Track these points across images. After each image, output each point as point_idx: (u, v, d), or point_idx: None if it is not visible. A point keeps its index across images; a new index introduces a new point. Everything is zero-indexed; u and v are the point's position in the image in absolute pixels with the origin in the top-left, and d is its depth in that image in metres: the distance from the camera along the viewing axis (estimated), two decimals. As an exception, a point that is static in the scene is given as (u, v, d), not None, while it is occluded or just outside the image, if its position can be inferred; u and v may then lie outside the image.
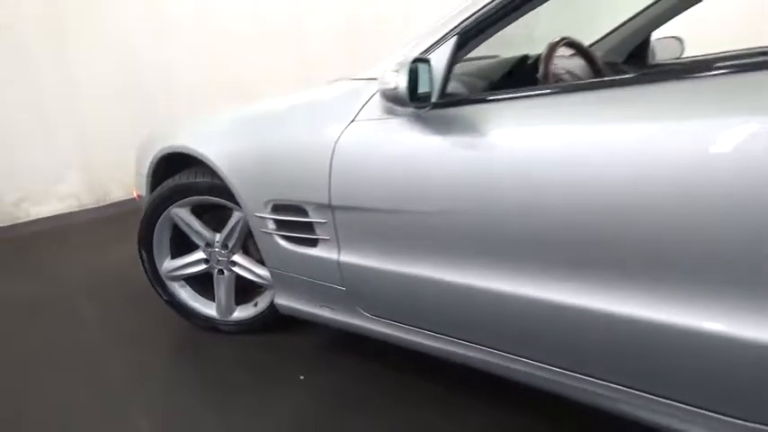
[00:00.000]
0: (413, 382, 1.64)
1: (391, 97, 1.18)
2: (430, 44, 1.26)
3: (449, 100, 1.26)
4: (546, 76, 1.46)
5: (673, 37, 2.46)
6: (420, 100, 1.19)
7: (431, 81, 1.22)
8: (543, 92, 1.19)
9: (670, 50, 2.45)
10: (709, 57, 2.22)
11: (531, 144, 1.10)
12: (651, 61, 2.42)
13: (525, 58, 1.67)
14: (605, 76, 1.77)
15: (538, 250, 1.11)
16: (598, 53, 2.34)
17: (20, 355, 1.99)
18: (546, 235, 1.09)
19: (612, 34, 2.37)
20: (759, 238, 0.84)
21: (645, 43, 2.35)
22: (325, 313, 1.65)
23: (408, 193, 1.28)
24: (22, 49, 3.52)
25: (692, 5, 2.14)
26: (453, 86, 1.49)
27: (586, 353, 1.12)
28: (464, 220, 1.21)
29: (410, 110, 1.26)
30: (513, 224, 1.13)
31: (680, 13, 2.19)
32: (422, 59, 1.20)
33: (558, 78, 1.59)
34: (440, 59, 1.24)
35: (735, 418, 0.96)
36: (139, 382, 1.77)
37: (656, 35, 2.47)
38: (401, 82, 1.14)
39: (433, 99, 1.24)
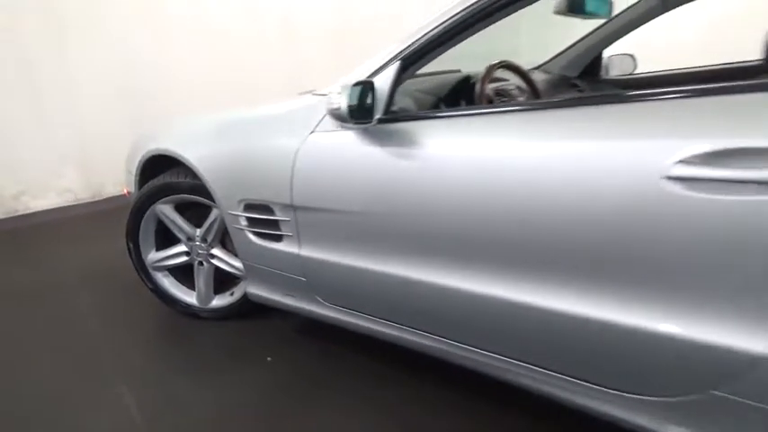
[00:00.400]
0: (371, 364, 1.83)
1: (336, 116, 1.38)
2: (376, 68, 1.46)
3: (392, 116, 1.45)
4: (480, 96, 1.66)
5: (626, 54, 2.66)
6: (363, 117, 1.39)
7: (374, 101, 1.41)
8: (468, 112, 1.39)
9: (623, 66, 2.65)
10: (650, 75, 2.43)
11: (455, 155, 1.29)
12: (604, 76, 2.62)
13: (468, 77, 1.86)
14: (541, 94, 1.97)
15: (463, 247, 1.31)
16: (555, 68, 2.55)
17: (15, 336, 2.19)
18: (468, 234, 1.28)
19: (568, 51, 2.57)
20: (639, 245, 1.03)
21: (597, 59, 2.55)
22: (289, 301, 1.85)
23: (355, 196, 1.48)
24: (22, 47, 3.71)
25: (637, 27, 2.34)
26: (405, 102, 1.70)
27: (498, 335, 1.32)
28: (400, 220, 1.41)
29: (369, 121, 1.45)
30: (439, 224, 1.33)
31: (628, 33, 2.39)
32: (365, 82, 1.40)
33: (492, 98, 1.80)
34: (384, 82, 1.43)
35: (621, 391, 1.16)
36: (125, 359, 1.98)
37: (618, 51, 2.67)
38: (343, 103, 1.34)
39: (377, 116, 1.43)
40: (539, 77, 2.53)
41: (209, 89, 4.46)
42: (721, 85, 0.98)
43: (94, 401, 1.73)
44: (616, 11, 2.24)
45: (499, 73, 1.97)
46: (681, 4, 2.14)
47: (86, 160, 4.12)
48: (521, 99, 1.99)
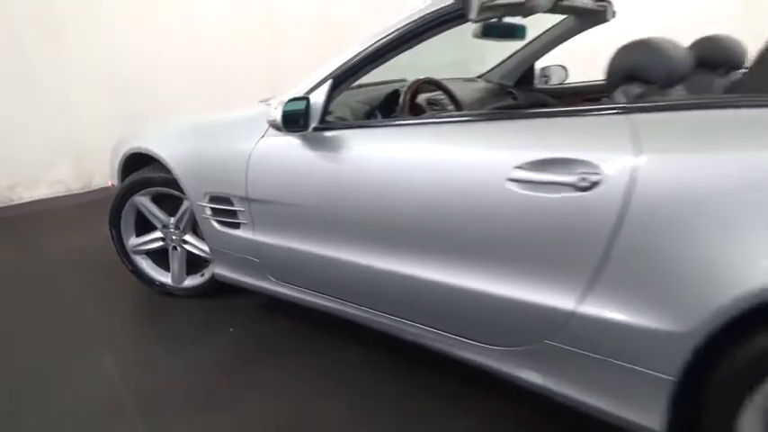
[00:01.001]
0: (325, 338, 2.14)
1: (273, 126, 1.70)
2: (312, 86, 1.76)
3: (326, 125, 1.76)
4: (403, 107, 1.98)
5: (559, 65, 2.98)
6: (297, 126, 1.70)
7: (309, 112, 1.72)
8: (383, 123, 1.71)
9: (557, 76, 2.96)
10: (574, 85, 2.75)
11: (371, 158, 1.61)
12: (537, 84, 2.94)
13: (396, 91, 2.17)
14: (463, 107, 2.29)
15: (375, 233, 1.63)
16: (495, 77, 2.86)
17: (5, 312, 2.49)
18: (378, 222, 1.60)
19: (506, 62, 2.88)
20: (493, 230, 1.35)
21: (530, 70, 2.87)
22: (247, 280, 2.16)
23: (295, 190, 1.80)
24: (17, 46, 3.98)
25: (561, 43, 2.65)
26: (344, 111, 2.01)
27: (405, 301, 1.64)
28: (330, 210, 1.72)
29: (305, 129, 1.75)
30: (359, 214, 1.65)
31: (554, 47, 2.71)
32: (302, 98, 1.71)
33: (424, 107, 2.11)
34: (318, 97, 1.74)
35: (484, 343, 1.49)
36: (106, 330, 2.29)
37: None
38: (278, 116, 1.65)
39: (313, 125, 1.74)
40: (480, 86, 2.85)
41: (195, 88, 4.74)
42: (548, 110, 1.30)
43: (78, 365, 2.04)
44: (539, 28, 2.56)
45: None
46: (594, 26, 2.45)
47: (77, 154, 4.41)
48: (450, 107, 2.31)
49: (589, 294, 1.24)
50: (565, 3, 2.13)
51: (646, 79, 1.42)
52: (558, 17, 2.49)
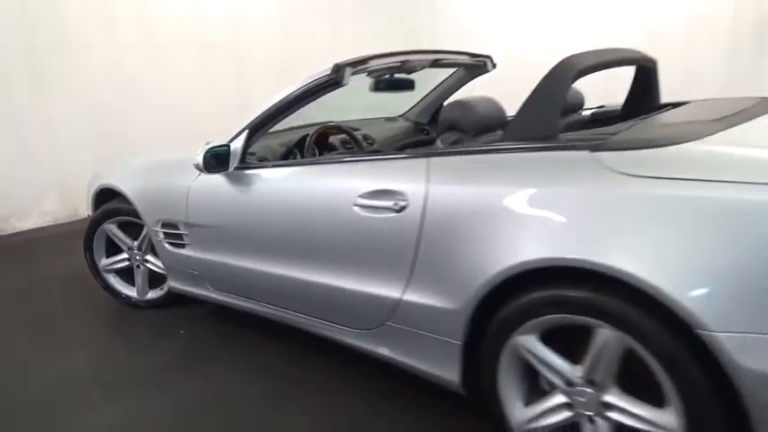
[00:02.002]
0: (259, 341, 2.62)
1: (197, 168, 2.21)
2: (233, 136, 2.28)
3: (245, 165, 2.27)
4: (307, 149, 2.49)
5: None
6: (218, 168, 2.21)
7: (228, 157, 2.23)
8: (284, 164, 2.22)
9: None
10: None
11: (271, 190, 2.12)
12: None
13: (306, 135, 2.68)
14: (364, 148, 2.80)
15: (274, 246, 2.13)
16: (413, 116, 3.39)
17: None
18: (275, 239, 2.11)
19: (420, 102, 3.41)
20: (343, 243, 1.86)
21: (440, 108, 3.39)
22: (193, 290, 2.65)
23: (220, 216, 2.31)
24: (8, 95, 4.53)
25: (462, 85, 3.18)
26: (265, 152, 2.53)
27: (302, 301, 2.14)
28: (246, 232, 2.23)
29: (226, 169, 2.26)
30: (265, 235, 2.15)
31: (458, 89, 3.23)
32: (223, 145, 2.22)
33: (337, 146, 2.64)
34: (237, 144, 2.25)
35: (347, 326, 1.98)
36: (78, 333, 2.77)
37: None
38: (200, 161, 2.16)
39: (234, 165, 2.25)
40: (398, 124, 3.38)
41: (169, 126, 5.29)
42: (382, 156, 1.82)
43: (52, 356, 2.52)
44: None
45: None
46: (479, 76, 2.99)
47: (64, 188, 4.92)
48: (365, 145, 2.83)
49: (409, 286, 1.73)
50: (443, 61, 2.67)
51: (461, 129, 1.94)
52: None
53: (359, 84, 2.38)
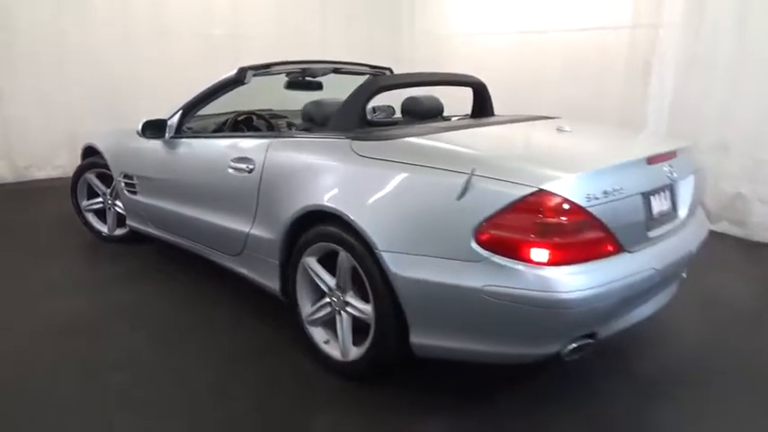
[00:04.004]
0: (185, 260, 3.49)
1: (138, 133, 3.07)
2: (172, 114, 3.13)
3: (178, 135, 3.12)
4: (227, 128, 3.33)
5: (389, 105, 4.27)
6: (155, 135, 3.07)
7: (167, 128, 3.09)
8: (201, 135, 3.07)
9: (385, 113, 4.25)
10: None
11: (189, 153, 2.97)
12: (370, 118, 4.24)
13: (238, 114, 3.49)
14: (274, 130, 3.61)
15: (192, 195, 2.99)
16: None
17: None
18: (190, 189, 2.96)
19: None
20: (221, 192, 2.70)
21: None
22: (142, 227, 3.53)
23: (156, 170, 3.18)
24: (34, 66, 5.52)
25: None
26: (202, 127, 3.38)
27: (201, 235, 2.99)
28: (172, 182, 3.09)
29: (164, 137, 3.12)
30: (184, 184, 3.01)
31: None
32: (160, 120, 3.08)
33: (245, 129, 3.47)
34: (174, 120, 3.11)
35: (223, 252, 2.82)
36: (60, 255, 3.69)
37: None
38: (139, 128, 3.03)
39: (168, 135, 3.11)
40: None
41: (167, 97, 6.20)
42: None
43: (37, 266, 3.45)
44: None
45: None
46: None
47: (74, 146, 5.84)
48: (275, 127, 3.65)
49: (254, 223, 2.56)
50: (343, 69, 3.47)
51: (314, 121, 2.72)
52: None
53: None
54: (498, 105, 3.18)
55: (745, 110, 3.82)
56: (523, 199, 1.73)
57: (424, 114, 2.99)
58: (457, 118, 3.41)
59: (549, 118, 2.77)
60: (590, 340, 1.89)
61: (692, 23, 4.02)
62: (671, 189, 2.15)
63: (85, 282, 3.29)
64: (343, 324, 2.23)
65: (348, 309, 2.20)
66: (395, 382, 2.21)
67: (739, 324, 2.83)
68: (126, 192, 3.52)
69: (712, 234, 4.04)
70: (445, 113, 3.11)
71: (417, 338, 1.99)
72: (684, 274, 2.50)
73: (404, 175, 2.01)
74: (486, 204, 1.78)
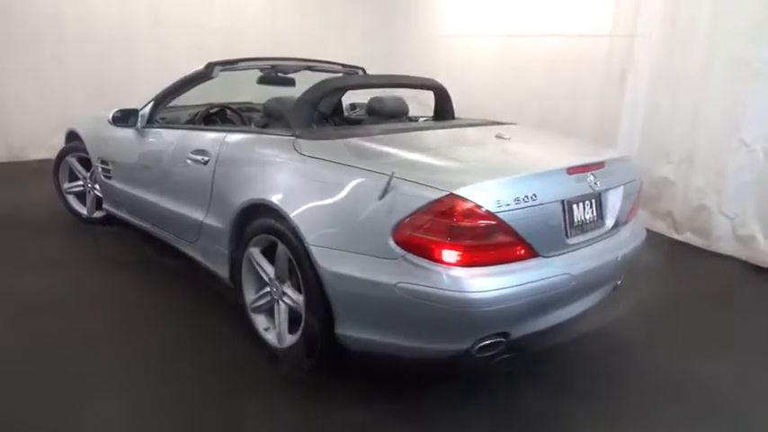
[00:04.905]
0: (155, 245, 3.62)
1: (110, 122, 3.20)
2: (144, 104, 3.26)
3: (149, 125, 3.25)
4: (198, 120, 3.45)
5: (363, 102, 4.36)
6: (126, 124, 3.20)
7: (137, 117, 3.21)
8: (172, 126, 3.19)
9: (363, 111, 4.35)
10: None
11: (159, 142, 3.10)
12: (348, 114, 4.34)
13: (210, 106, 3.60)
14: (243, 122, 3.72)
15: (157, 183, 3.11)
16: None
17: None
18: (155, 177, 3.09)
19: (325, 97, 4.30)
20: (181, 182, 2.82)
21: (339, 103, 4.28)
22: (117, 211, 3.67)
23: (128, 157, 3.31)
24: (35, 52, 5.67)
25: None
26: (175, 118, 3.50)
27: (163, 221, 3.11)
28: (138, 169, 3.22)
29: (132, 126, 3.25)
30: (149, 170, 3.14)
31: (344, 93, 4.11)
32: (132, 109, 3.21)
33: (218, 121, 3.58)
34: (146, 110, 3.23)
35: (185, 240, 2.95)
36: (41, 234, 3.84)
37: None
38: (109, 117, 3.15)
39: (139, 124, 3.24)
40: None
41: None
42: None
43: (13, 248, 3.60)
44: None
45: None
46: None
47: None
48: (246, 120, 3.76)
49: (207, 213, 2.68)
50: (316, 67, 3.57)
51: (273, 116, 2.82)
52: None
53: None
54: (483, 105, 3.30)
55: (708, 122, 3.87)
56: (436, 202, 1.83)
57: (388, 114, 3.07)
58: (423, 119, 3.51)
59: (502, 123, 2.86)
60: (501, 339, 1.98)
61: (665, 35, 4.07)
62: (597, 198, 2.23)
63: (56, 261, 3.43)
64: (281, 313, 2.34)
65: (285, 299, 2.32)
66: (331, 370, 2.32)
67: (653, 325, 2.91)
68: (102, 176, 3.65)
69: (675, 243, 4.20)
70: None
71: (341, 330, 2.10)
72: (619, 281, 2.59)
73: (335, 173, 2.11)
74: (403, 205, 1.88)
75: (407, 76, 3.07)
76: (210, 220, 2.66)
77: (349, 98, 4.11)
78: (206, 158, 2.65)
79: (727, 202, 3.85)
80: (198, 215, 2.74)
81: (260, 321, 2.47)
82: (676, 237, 4.26)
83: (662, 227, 4.40)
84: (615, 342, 2.76)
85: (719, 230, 3.91)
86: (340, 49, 7.02)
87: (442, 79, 3.20)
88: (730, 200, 3.85)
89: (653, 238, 4.27)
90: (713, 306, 3.23)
